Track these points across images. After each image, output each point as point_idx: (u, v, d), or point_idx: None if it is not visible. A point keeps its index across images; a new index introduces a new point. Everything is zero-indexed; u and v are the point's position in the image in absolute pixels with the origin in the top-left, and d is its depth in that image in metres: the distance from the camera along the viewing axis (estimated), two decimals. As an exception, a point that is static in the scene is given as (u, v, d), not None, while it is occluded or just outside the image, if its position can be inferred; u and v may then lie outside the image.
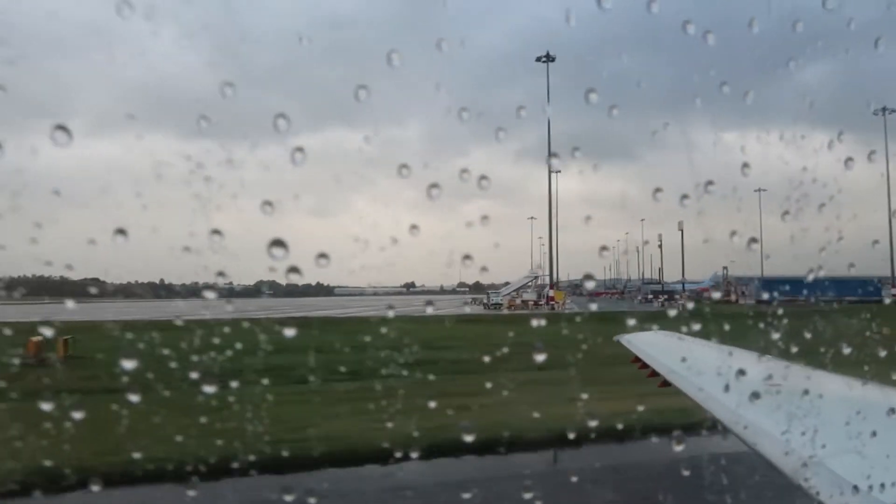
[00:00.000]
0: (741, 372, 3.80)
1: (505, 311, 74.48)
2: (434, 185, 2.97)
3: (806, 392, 3.76)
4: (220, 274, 3.06)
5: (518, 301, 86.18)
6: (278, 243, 2.63)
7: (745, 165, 3.78)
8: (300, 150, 2.73)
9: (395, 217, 3.44)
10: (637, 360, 7.56)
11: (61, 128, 2.49)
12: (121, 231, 2.73)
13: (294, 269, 2.63)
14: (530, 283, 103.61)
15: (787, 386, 3.96)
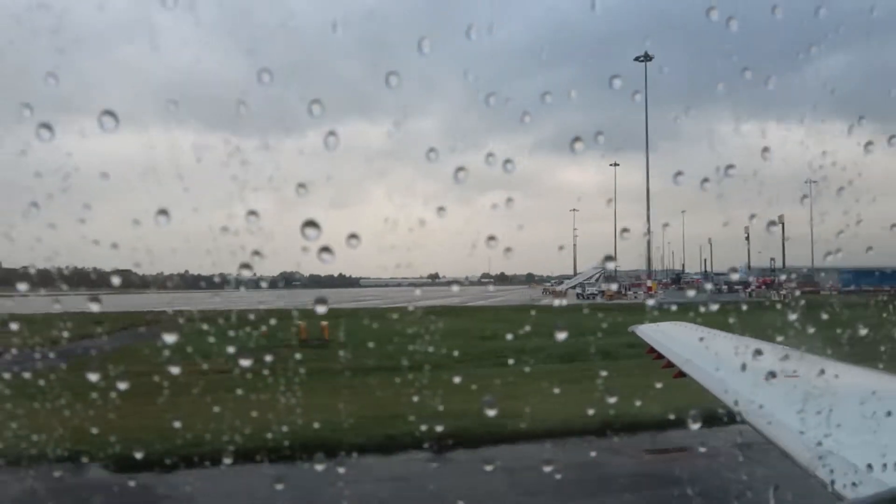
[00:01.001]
0: (757, 354, 3.85)
1: (603, 300, 71.44)
2: (461, 168, 3.07)
3: (821, 373, 3.80)
4: (245, 266, 3.18)
5: (594, 291, 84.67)
6: (311, 224, 2.76)
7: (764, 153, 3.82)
8: (333, 133, 2.84)
9: (412, 208, 3.54)
10: (652, 350, 7.55)
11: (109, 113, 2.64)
12: (163, 212, 2.88)
13: (326, 249, 2.75)
14: (598, 275, 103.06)
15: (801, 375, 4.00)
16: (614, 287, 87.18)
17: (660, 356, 7.29)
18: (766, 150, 3.89)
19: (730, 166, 3.62)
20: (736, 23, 3.56)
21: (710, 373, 5.35)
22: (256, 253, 3.07)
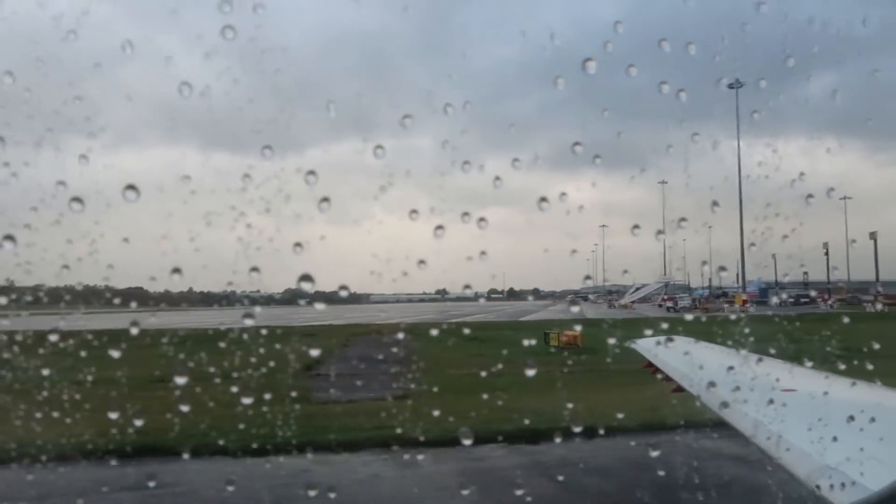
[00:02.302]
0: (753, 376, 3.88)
1: (693, 314, 71.41)
2: (450, 195, 3.16)
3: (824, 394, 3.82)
4: (306, 277, 3.24)
5: (686, 304, 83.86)
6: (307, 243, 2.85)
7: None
8: (381, 147, 2.93)
9: (414, 225, 3.62)
10: (650, 365, 7.50)
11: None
12: (175, 238, 3.00)
13: (338, 288, 2.83)
14: (664, 287, 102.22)
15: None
16: (708, 299, 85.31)
17: (657, 371, 7.28)
18: (760, 164, 3.98)
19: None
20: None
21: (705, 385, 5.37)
22: (306, 271, 3.17)
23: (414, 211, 3.50)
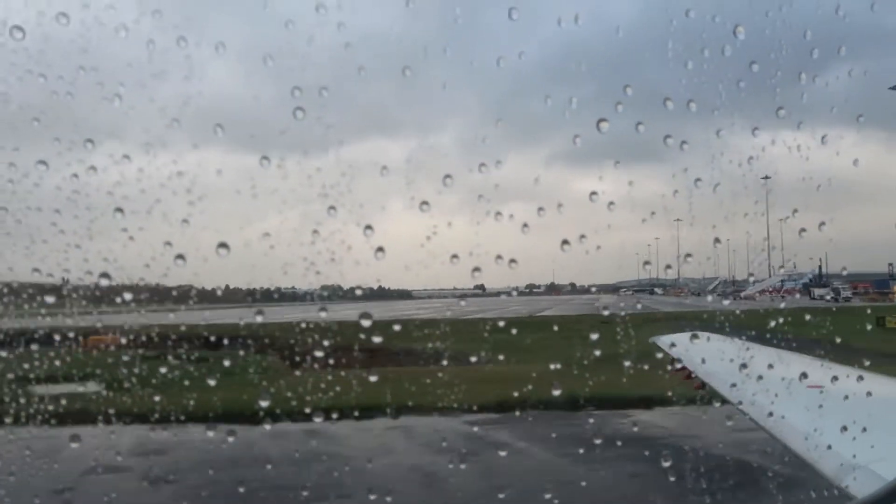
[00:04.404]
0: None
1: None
2: (476, 192, 3.39)
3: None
4: (305, 277, 3.54)
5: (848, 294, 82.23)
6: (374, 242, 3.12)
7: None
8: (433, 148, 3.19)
9: (436, 222, 3.77)
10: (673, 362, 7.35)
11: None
12: (223, 244, 3.29)
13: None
14: (786, 279, 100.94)
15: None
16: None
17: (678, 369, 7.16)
18: (750, 159, 4.11)
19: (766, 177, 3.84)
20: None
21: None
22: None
23: (445, 210, 3.71)
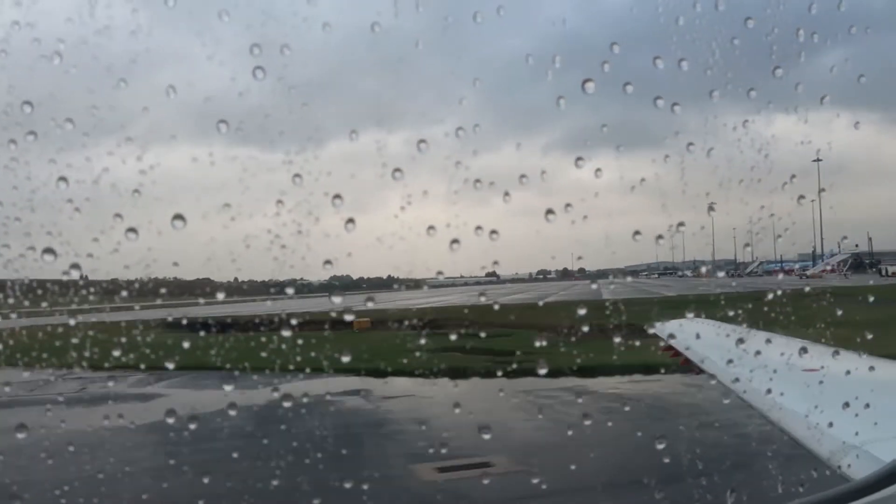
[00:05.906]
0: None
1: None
2: (476, 179, 3.44)
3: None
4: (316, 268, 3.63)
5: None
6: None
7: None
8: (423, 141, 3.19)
9: (433, 211, 3.79)
10: (669, 348, 7.14)
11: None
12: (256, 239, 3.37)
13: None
14: (849, 258, 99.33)
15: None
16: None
17: (676, 354, 6.99)
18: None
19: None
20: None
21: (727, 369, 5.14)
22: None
23: (425, 199, 3.73)
